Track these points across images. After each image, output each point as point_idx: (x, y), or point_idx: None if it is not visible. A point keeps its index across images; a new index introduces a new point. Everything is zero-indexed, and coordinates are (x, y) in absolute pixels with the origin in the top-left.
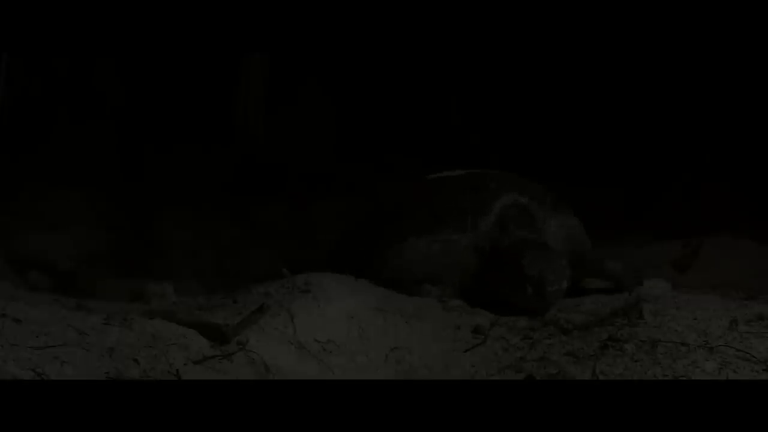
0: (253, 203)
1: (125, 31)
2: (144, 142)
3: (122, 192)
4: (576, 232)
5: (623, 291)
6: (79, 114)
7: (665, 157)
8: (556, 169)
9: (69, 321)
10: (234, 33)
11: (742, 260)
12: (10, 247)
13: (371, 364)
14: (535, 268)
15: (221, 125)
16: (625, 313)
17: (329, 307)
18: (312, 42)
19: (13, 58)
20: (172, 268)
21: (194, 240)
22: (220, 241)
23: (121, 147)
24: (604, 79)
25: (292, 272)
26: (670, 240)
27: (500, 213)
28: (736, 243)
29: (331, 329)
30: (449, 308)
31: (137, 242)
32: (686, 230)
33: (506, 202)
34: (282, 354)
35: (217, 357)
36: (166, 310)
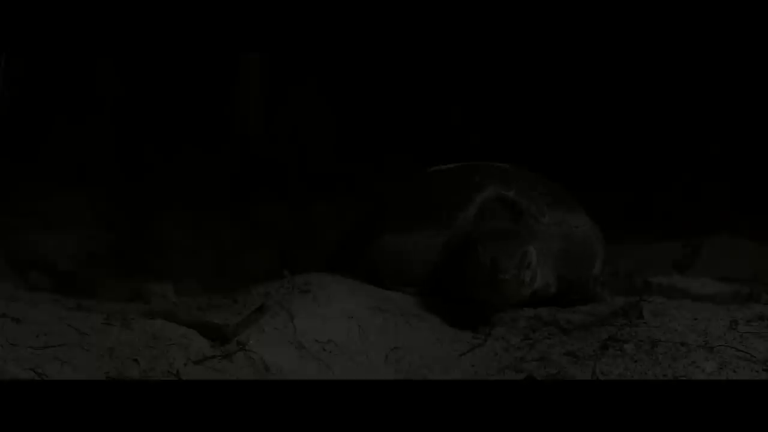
0: (253, 203)
1: (125, 31)
2: (144, 142)
3: (122, 192)
4: (579, 232)
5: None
6: (79, 114)
7: (665, 157)
8: (557, 169)
9: (69, 321)
10: (233, 33)
11: (742, 260)
12: (10, 247)
13: (371, 364)
14: (488, 255)
15: (221, 125)
16: (625, 313)
17: (329, 307)
18: (311, 42)
19: (13, 58)
20: (172, 268)
21: (194, 240)
22: (220, 241)
23: (120, 147)
24: (605, 80)
25: (292, 272)
26: (670, 240)
27: (481, 207)
28: (736, 243)
29: (331, 329)
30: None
31: (137, 242)
32: (686, 230)
33: (489, 195)
34: (282, 354)
35: (217, 357)
36: (166, 310)
